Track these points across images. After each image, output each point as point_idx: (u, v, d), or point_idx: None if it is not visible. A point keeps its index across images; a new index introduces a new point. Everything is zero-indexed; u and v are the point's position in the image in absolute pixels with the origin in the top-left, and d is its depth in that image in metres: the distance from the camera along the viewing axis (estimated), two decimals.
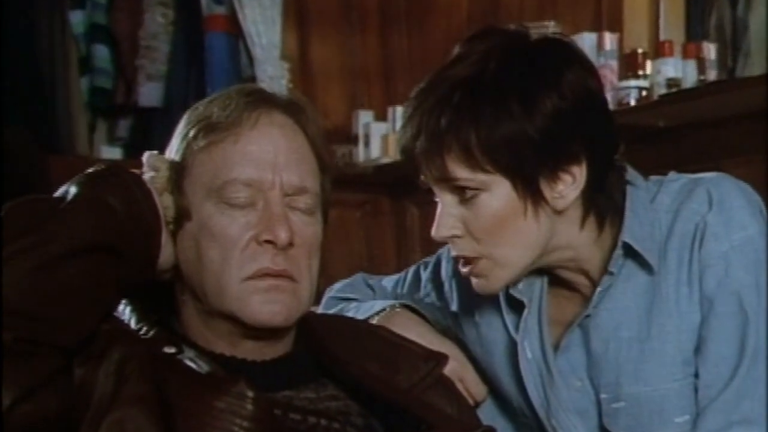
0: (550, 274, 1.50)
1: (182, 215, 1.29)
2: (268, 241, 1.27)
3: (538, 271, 1.50)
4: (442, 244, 1.69)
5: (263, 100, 1.32)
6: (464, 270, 1.43)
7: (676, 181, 1.48)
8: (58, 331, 1.15)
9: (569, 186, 1.39)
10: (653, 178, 1.50)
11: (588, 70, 1.41)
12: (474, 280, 1.43)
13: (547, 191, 1.38)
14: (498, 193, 1.37)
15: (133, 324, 1.30)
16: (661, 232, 1.44)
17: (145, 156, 1.32)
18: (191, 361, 1.23)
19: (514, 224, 1.38)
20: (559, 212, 1.40)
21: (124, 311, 1.32)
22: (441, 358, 1.44)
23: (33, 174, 3.47)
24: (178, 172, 1.30)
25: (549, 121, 1.34)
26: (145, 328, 1.29)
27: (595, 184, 1.40)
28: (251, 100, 1.31)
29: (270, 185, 1.29)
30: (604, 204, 1.43)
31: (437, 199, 1.42)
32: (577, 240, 1.43)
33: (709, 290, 1.41)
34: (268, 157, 1.29)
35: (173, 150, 1.33)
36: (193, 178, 1.30)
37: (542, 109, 1.34)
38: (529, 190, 1.37)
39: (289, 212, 1.30)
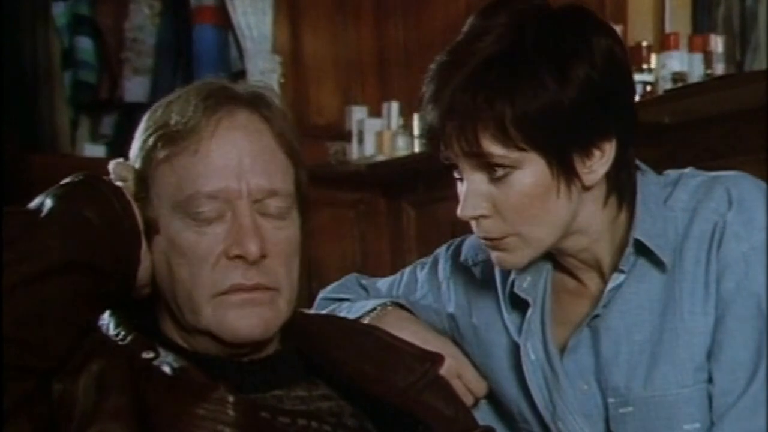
0: (560, 269, 1.51)
1: (150, 228, 1.28)
2: (238, 256, 1.25)
3: (543, 269, 1.51)
4: (437, 245, 1.69)
5: (224, 100, 1.29)
6: (488, 243, 1.44)
7: (694, 177, 1.48)
8: (32, 354, 1.14)
9: (599, 161, 1.39)
10: (669, 172, 1.51)
11: (612, 35, 1.42)
12: (496, 254, 1.44)
13: (579, 167, 1.39)
14: (531, 171, 1.37)
15: (111, 329, 1.29)
16: (677, 231, 1.44)
17: (111, 165, 1.30)
18: (169, 366, 1.23)
19: (545, 203, 1.39)
20: (587, 188, 1.41)
21: (106, 318, 1.31)
22: (436, 358, 1.44)
23: (14, 174, 3.47)
24: (143, 181, 1.28)
25: (581, 90, 1.35)
26: (122, 333, 1.28)
27: (621, 160, 1.41)
28: (210, 104, 1.27)
29: (237, 194, 1.26)
30: (625, 182, 1.44)
31: (458, 176, 1.42)
32: (596, 221, 1.44)
33: (727, 292, 1.41)
34: (232, 164, 1.26)
35: (134, 156, 1.30)
36: (158, 189, 1.28)
37: (574, 79, 1.35)
38: (563, 167, 1.38)
39: (260, 219, 1.27)
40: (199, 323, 1.26)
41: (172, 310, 1.29)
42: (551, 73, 1.34)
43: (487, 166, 1.38)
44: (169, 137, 1.26)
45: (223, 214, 1.26)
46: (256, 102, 1.30)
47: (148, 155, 1.28)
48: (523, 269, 1.50)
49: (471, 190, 1.40)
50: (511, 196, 1.38)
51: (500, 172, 1.37)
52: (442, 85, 1.37)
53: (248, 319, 1.26)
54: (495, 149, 1.36)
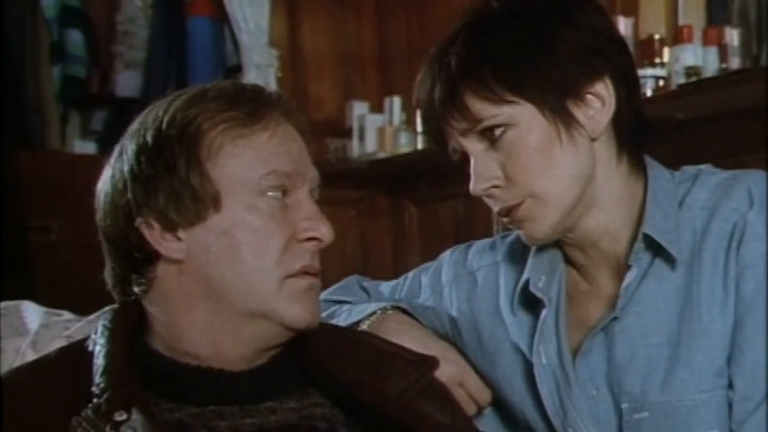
0: (573, 269, 1.51)
1: (209, 205, 1.30)
2: (310, 239, 1.32)
3: (557, 270, 1.51)
4: (440, 245, 1.69)
5: (275, 101, 1.37)
6: (507, 219, 1.46)
7: (713, 175, 1.49)
8: None
9: (599, 110, 1.43)
10: (687, 168, 1.51)
11: (601, 12, 1.47)
12: (521, 231, 1.46)
13: (577, 113, 1.42)
14: (527, 123, 1.41)
15: (97, 377, 1.28)
16: (695, 230, 1.44)
17: None
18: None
19: (550, 154, 1.41)
20: (594, 140, 1.44)
21: (98, 356, 1.30)
22: (432, 363, 1.45)
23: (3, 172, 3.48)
24: (197, 157, 1.30)
25: (566, 43, 1.41)
26: (103, 385, 1.27)
27: (625, 109, 1.44)
28: (268, 98, 1.36)
29: (303, 179, 1.34)
30: (636, 140, 1.47)
31: (469, 149, 1.45)
32: (612, 186, 1.46)
33: (747, 293, 1.41)
34: (295, 154, 1.35)
35: (180, 132, 1.31)
36: (222, 169, 1.31)
37: (558, 39, 1.41)
38: (558, 112, 1.41)
39: None
40: (255, 305, 1.30)
41: (215, 297, 1.30)
42: (522, 26, 1.42)
43: (485, 132, 1.42)
44: (236, 119, 1.32)
45: (287, 198, 1.33)
46: (291, 109, 1.38)
47: (205, 133, 1.31)
48: (537, 268, 1.51)
49: (477, 162, 1.43)
50: (514, 155, 1.41)
51: (497, 132, 1.41)
52: (425, 70, 1.45)
53: (311, 305, 1.33)
54: (484, 110, 1.40)
